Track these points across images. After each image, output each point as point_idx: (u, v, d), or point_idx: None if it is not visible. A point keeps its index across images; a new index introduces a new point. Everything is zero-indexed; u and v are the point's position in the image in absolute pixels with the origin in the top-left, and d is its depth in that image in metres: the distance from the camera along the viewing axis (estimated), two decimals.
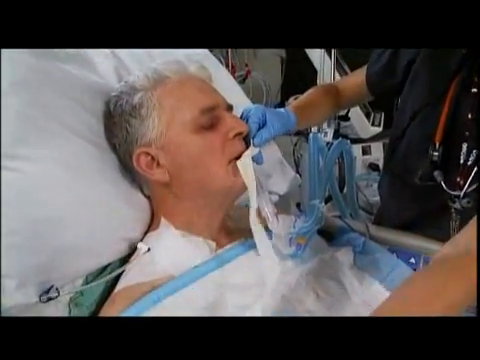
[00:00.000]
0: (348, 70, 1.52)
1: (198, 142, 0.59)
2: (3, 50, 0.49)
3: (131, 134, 0.59)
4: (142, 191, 0.65)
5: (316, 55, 1.40)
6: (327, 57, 1.32)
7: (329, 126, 1.20)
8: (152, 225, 0.65)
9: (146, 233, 0.64)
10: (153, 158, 0.60)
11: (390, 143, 0.85)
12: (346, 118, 1.30)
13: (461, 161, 0.69)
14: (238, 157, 0.60)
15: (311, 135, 1.09)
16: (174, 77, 0.61)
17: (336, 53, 1.34)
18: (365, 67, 0.87)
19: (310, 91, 0.88)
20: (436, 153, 0.69)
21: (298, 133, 1.93)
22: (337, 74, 1.34)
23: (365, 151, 1.41)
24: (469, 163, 0.67)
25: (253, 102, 1.60)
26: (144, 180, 0.63)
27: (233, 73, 1.48)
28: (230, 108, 0.64)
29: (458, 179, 0.69)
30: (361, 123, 1.35)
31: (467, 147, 0.68)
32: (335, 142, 1.07)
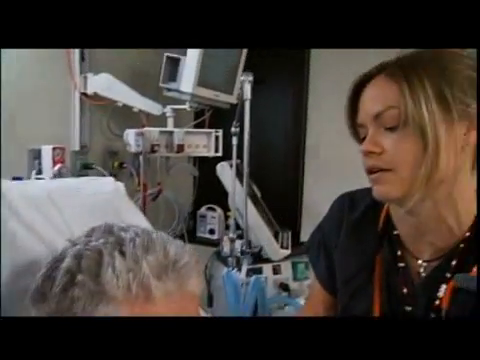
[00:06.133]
0: (251, 183, 1.62)
1: None
2: None
3: None
4: None
5: (226, 176, 1.47)
6: (238, 182, 1.40)
7: (243, 263, 1.22)
8: None
9: None
10: None
11: None
12: (259, 257, 1.37)
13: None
14: None
15: (225, 273, 1.09)
16: None
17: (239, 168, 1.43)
18: (315, 286, 0.79)
19: None
20: None
21: (210, 243, 1.94)
22: (238, 184, 1.40)
23: (276, 271, 1.44)
24: None
25: (163, 222, 1.59)
26: None
27: (145, 191, 1.45)
28: None
29: None
30: (272, 248, 1.40)
31: None
32: (251, 281, 1.09)
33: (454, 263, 0.60)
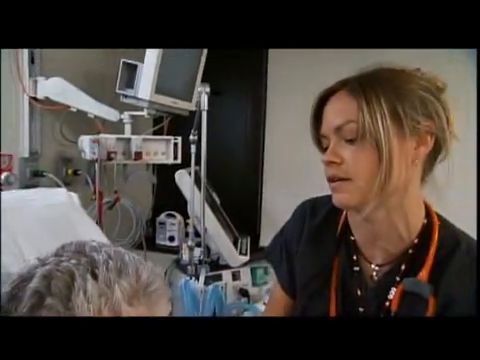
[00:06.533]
0: (211, 190, 1.62)
1: None
2: None
3: None
4: None
5: (185, 183, 1.47)
6: (196, 189, 1.40)
7: (201, 272, 1.22)
8: None
9: None
10: None
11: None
12: (217, 264, 1.37)
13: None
14: None
15: (183, 282, 1.09)
16: None
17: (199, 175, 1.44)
18: (276, 289, 0.83)
19: None
20: None
21: (169, 251, 1.91)
22: (197, 192, 1.40)
23: (235, 277, 1.45)
24: None
25: (120, 230, 1.55)
26: None
27: (101, 199, 1.41)
28: None
29: None
30: (231, 255, 1.41)
31: None
32: (209, 290, 1.09)
33: (403, 268, 0.64)
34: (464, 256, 0.62)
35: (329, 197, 0.67)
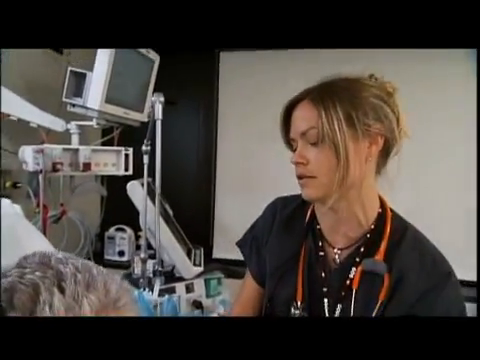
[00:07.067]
0: (164, 201, 1.60)
1: None
2: None
3: None
4: None
5: (137, 195, 1.44)
6: (149, 201, 1.37)
7: (155, 283, 1.19)
8: None
9: None
10: None
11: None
12: (172, 275, 1.36)
13: (326, 316, 0.74)
14: None
15: (137, 294, 1.06)
16: None
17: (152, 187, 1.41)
18: (247, 279, 0.89)
19: None
20: (297, 311, 0.75)
21: (118, 266, 1.84)
22: (150, 203, 1.37)
23: (189, 289, 1.43)
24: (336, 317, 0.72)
25: (67, 245, 1.47)
26: None
27: (45, 213, 1.33)
28: None
29: None
30: (185, 266, 1.40)
31: (328, 302, 0.74)
32: (164, 301, 1.07)
33: (362, 250, 0.73)
34: (411, 239, 0.72)
35: (299, 195, 0.76)
